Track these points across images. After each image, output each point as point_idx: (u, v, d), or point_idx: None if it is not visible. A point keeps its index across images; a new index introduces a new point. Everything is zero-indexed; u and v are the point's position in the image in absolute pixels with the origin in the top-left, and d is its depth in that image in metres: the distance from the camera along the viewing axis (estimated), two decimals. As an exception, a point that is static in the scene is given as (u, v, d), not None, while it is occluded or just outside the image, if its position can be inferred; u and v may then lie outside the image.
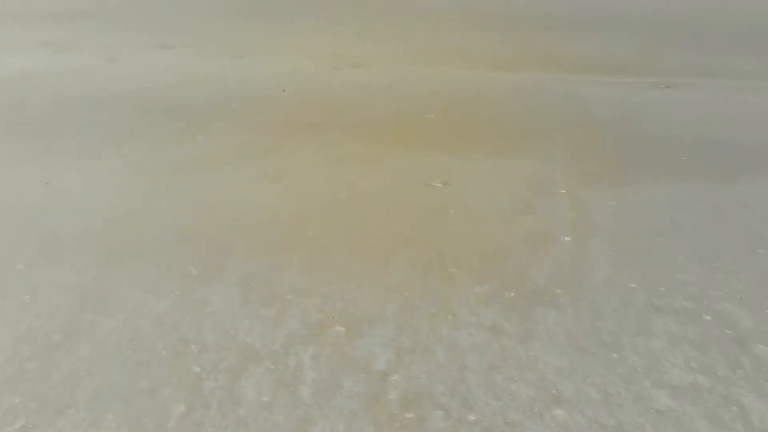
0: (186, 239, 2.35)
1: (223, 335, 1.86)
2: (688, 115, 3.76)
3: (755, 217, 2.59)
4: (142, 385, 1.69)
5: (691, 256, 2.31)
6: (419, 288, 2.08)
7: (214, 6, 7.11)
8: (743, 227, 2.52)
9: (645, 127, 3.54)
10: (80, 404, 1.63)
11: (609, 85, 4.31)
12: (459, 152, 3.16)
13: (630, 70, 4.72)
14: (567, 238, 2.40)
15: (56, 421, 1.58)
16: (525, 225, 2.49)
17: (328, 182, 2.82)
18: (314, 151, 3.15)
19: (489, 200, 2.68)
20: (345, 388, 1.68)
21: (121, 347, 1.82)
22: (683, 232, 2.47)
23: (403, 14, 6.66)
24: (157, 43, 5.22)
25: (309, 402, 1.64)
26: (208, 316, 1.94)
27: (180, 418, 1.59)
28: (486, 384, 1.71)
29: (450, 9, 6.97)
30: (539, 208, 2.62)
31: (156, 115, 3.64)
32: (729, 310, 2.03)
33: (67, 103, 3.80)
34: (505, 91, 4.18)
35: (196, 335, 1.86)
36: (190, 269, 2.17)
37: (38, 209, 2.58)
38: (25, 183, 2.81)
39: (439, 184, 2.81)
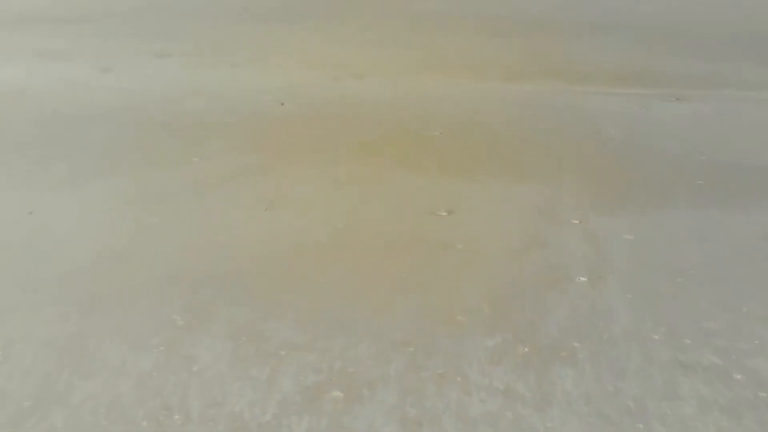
0: (174, 281, 2.14)
1: (210, 402, 1.66)
2: (701, 132, 3.55)
3: (781, 253, 2.39)
4: (119, 465, 1.49)
5: (716, 300, 2.10)
6: (425, 342, 1.88)
7: (215, 9, 6.88)
8: (769, 265, 2.32)
9: (657, 146, 3.32)
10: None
11: (617, 98, 4.09)
12: (464, 175, 2.95)
13: (638, 79, 4.50)
14: (582, 279, 2.19)
15: None
16: (537, 262, 2.28)
17: (327, 211, 2.61)
18: (312, 174, 2.94)
19: (497, 232, 2.47)
20: (343, 469, 1.49)
21: (98, 416, 1.62)
22: (705, 270, 2.27)
23: (405, 20, 6.43)
24: (154, 51, 5.00)
25: (303, 488, 1.44)
26: (194, 377, 1.74)
27: None
28: (500, 464, 1.51)
29: (453, 14, 6.74)
30: (551, 241, 2.42)
31: (150, 133, 3.43)
32: (761, 367, 1.82)
33: (56, 120, 3.59)
34: (511, 103, 3.96)
35: (180, 402, 1.66)
36: (176, 318, 1.96)
37: (19, 245, 2.37)
38: (7, 212, 2.60)
39: (445, 213, 2.61)
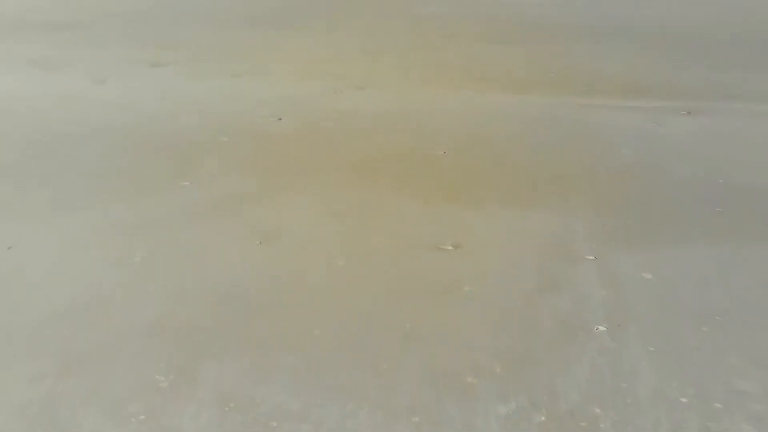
0: (157, 332, 1.93)
1: (192, 489, 1.45)
2: (716, 150, 3.33)
3: (813, 296, 2.18)
4: None
5: (746, 354, 1.89)
6: (431, 409, 1.67)
7: (214, 14, 6.65)
8: (802, 311, 2.10)
9: (671, 168, 3.11)
10: None
11: (628, 112, 3.87)
12: (471, 202, 2.74)
13: (648, 91, 4.28)
14: (601, 328, 1.98)
15: None
16: (552, 309, 2.07)
17: (325, 245, 2.40)
18: (310, 202, 2.73)
19: (508, 271, 2.26)
20: None
21: (66, 506, 1.42)
22: (732, 316, 2.06)
23: (408, 26, 6.20)
24: (149, 60, 4.78)
25: None
26: (175, 455, 1.54)
27: None
28: None
29: (456, 19, 6.51)
30: (566, 283, 2.20)
31: (140, 154, 3.21)
32: (803, 438, 1.62)
33: (44, 139, 3.37)
34: (517, 118, 3.74)
35: (158, 487, 1.46)
36: (159, 379, 1.76)
37: (-7, 286, 2.17)
38: (-15, 247, 2.40)
39: (450, 247, 2.39)
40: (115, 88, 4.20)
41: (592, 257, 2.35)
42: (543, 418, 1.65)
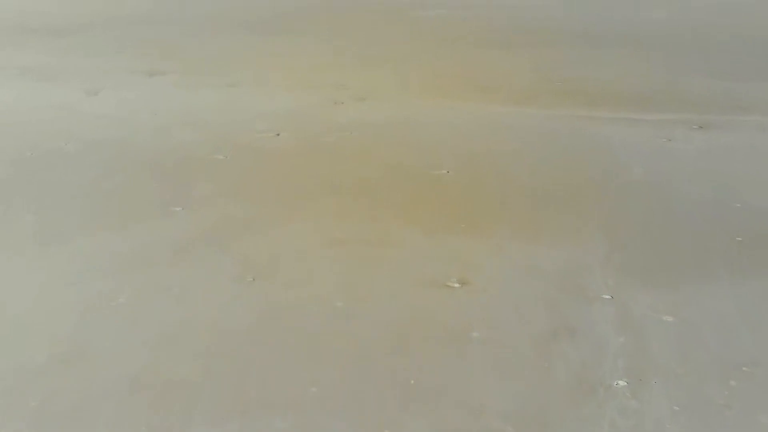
0: (139, 390, 1.74)
1: None
2: (731, 169, 3.13)
3: None
4: None
5: (781, 413, 1.70)
6: (438, 488, 1.48)
7: (214, 17, 6.44)
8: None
9: (685, 190, 2.90)
10: None
11: (636, 125, 3.66)
12: (477, 231, 2.54)
13: (656, 102, 4.07)
14: (621, 383, 1.78)
15: None
16: (567, 359, 1.87)
17: (323, 283, 2.20)
18: (307, 229, 2.53)
19: (518, 314, 2.06)
20: None
21: None
22: (762, 368, 1.86)
23: (407, 31, 5.98)
24: (146, 68, 4.57)
25: None
26: None
27: None
28: None
29: (456, 23, 6.29)
30: (581, 327, 2.00)
31: (132, 174, 3.01)
32: None
33: (32, 157, 3.17)
34: (524, 133, 3.54)
35: None
36: (139, 449, 1.56)
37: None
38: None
39: (457, 284, 2.19)
40: (109, 99, 3.99)
41: (607, 296, 2.15)
42: (562, 498, 1.46)
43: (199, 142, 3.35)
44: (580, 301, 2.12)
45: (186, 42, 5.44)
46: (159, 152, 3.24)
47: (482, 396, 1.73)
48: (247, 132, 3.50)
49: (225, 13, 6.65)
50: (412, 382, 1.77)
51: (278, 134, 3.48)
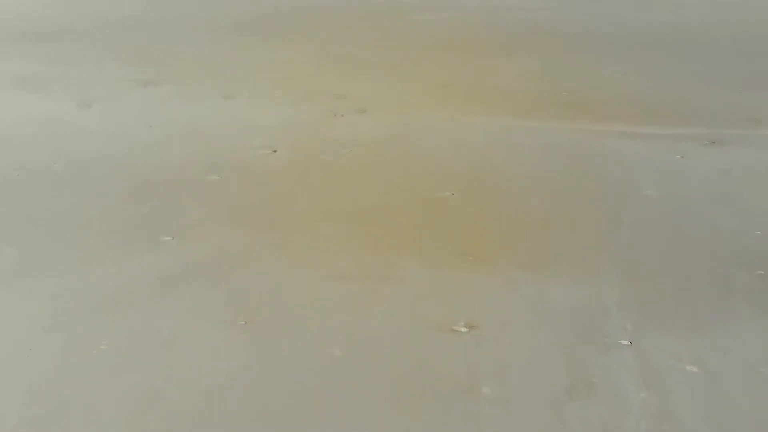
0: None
1: None
2: (747, 192, 2.93)
3: None
4: None
5: (823, 487, 1.52)
6: None
7: (207, 21, 6.23)
8: None
9: (701, 214, 2.71)
10: None
11: (646, 140, 3.47)
12: (485, 264, 2.34)
13: (664, 115, 3.87)
14: (646, 451, 1.60)
15: None
16: (586, 422, 1.68)
17: (320, 328, 2.00)
18: (304, 263, 2.33)
19: (532, 366, 1.87)
20: None
21: None
22: (799, 429, 1.68)
23: (408, 36, 5.77)
24: (140, 79, 4.37)
25: None
26: None
27: None
28: None
29: (458, 27, 6.08)
30: (600, 380, 1.81)
31: (122, 196, 2.81)
32: None
33: (18, 178, 2.98)
34: (530, 149, 3.34)
35: None
36: None
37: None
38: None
39: (465, 329, 2.00)
40: (101, 111, 3.80)
41: (626, 342, 1.96)
42: None
43: (194, 160, 3.16)
44: (598, 349, 1.93)
45: (179, 48, 5.24)
46: (152, 171, 3.04)
47: (494, 467, 1.55)
48: (242, 149, 3.30)
49: (218, 15, 6.44)
50: (418, 450, 1.59)
51: (275, 151, 3.28)
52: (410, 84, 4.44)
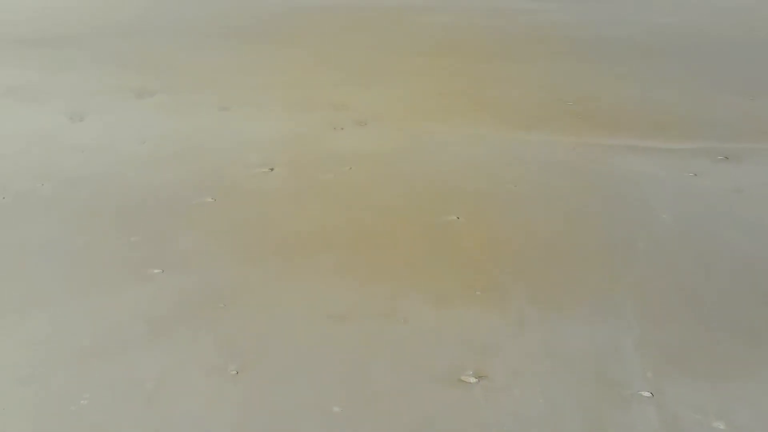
0: None
1: None
2: (765, 212, 2.76)
3: None
4: None
5: None
6: None
7: (201, 27, 6.03)
8: None
9: (720, 242, 2.53)
10: None
11: (658, 155, 3.29)
12: (495, 300, 2.16)
13: (674, 127, 3.69)
14: None
15: None
16: (607, 492, 1.51)
17: (317, 379, 1.83)
18: (300, 302, 2.15)
19: (548, 424, 1.69)
20: None
21: None
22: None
23: (408, 40, 5.58)
24: (135, 88, 4.18)
25: None
26: None
27: None
28: None
29: (459, 31, 5.88)
30: (620, 441, 1.64)
31: (109, 224, 2.62)
32: None
33: (3, 203, 2.80)
34: (537, 166, 3.16)
35: None
36: None
37: None
38: None
39: (474, 380, 1.83)
40: (94, 124, 3.61)
41: (647, 393, 1.79)
42: None
43: (187, 181, 2.97)
44: (617, 402, 1.76)
45: (176, 54, 5.05)
46: (143, 192, 2.86)
47: None
48: (237, 167, 3.12)
49: (212, 20, 6.24)
50: None
51: (272, 169, 3.10)
52: (411, 92, 4.26)
